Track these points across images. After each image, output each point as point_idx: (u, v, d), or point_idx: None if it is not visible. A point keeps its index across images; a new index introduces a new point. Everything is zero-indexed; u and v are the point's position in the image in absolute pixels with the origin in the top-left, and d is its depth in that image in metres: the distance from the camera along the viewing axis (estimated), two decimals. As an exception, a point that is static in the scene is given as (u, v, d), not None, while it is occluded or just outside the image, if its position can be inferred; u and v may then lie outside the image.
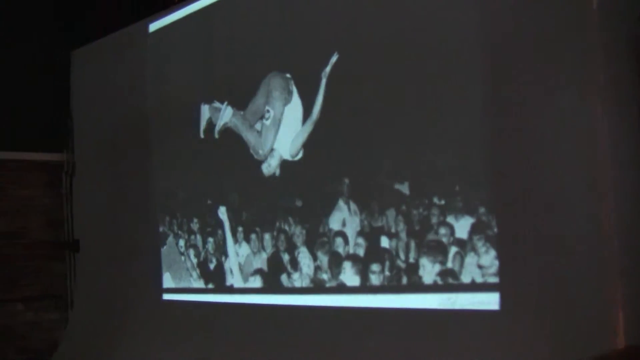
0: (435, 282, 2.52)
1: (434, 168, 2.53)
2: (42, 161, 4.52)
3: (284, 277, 3.21)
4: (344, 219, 2.88)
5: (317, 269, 3.02)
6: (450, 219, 2.47)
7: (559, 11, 2.18)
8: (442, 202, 2.49)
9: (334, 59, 2.94)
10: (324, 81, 2.99)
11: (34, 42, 4.46)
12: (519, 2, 2.31)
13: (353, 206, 2.87)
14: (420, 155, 2.59)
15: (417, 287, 2.57)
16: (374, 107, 2.77)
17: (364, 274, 2.79)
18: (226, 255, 3.53)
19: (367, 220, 2.79)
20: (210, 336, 3.52)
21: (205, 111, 3.67)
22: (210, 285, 3.63)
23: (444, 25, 2.52)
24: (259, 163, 3.35)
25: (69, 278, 4.56)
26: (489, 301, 2.33)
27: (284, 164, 3.23)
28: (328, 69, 2.96)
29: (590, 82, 2.11)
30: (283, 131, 3.24)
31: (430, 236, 2.53)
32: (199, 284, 3.69)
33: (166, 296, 3.92)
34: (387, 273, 2.70)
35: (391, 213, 2.67)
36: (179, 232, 3.80)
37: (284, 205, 3.19)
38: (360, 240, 2.82)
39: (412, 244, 2.60)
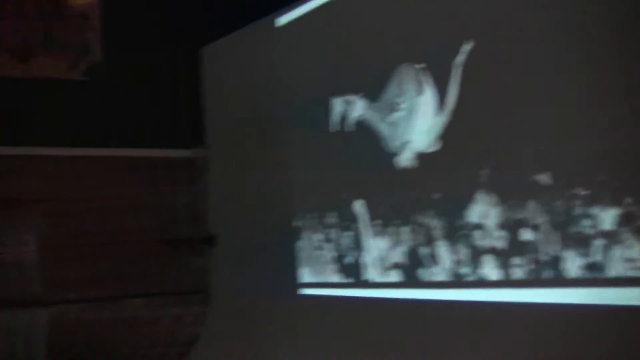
0: (579, 276, 2.80)
1: (577, 157, 2.81)
2: (180, 158, 5.42)
3: (422, 271, 3.67)
4: (484, 211, 3.26)
5: (456, 262, 3.43)
6: (594, 210, 2.74)
7: None
8: (586, 192, 2.76)
9: (468, 47, 3.31)
10: (458, 70, 3.37)
11: (164, 40, 5.35)
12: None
13: (493, 198, 3.23)
14: (563, 144, 2.87)
15: (560, 281, 2.87)
16: (512, 96, 3.10)
17: (504, 267, 3.15)
18: (363, 250, 4.07)
19: (507, 212, 3.13)
20: (347, 330, 4.08)
21: (337, 104, 4.23)
22: (347, 280, 4.19)
23: (584, 9, 2.77)
24: (394, 155, 3.84)
25: (208, 273, 5.40)
26: (638, 296, 2.58)
27: (420, 155, 3.69)
28: (462, 57, 3.34)
29: None
30: (417, 122, 3.70)
31: (574, 228, 2.82)
32: (336, 278, 4.26)
33: (303, 291, 4.56)
34: (528, 266, 3.03)
35: (532, 204, 3.00)
36: (316, 226, 4.40)
37: (421, 197, 3.64)
38: (501, 233, 3.18)
39: (555, 237, 2.91)
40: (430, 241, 3.60)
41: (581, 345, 2.76)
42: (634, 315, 2.59)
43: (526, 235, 3.05)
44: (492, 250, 3.23)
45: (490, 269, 3.25)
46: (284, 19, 4.65)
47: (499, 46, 3.18)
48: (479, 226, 3.30)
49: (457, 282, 3.42)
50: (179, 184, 5.41)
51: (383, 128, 3.94)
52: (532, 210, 3.01)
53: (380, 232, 3.94)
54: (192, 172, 5.46)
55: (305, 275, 4.54)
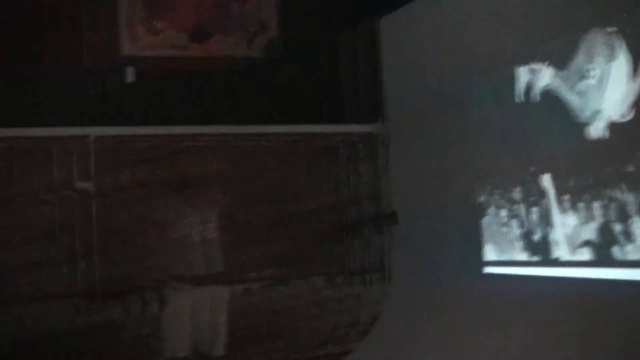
0: None
1: None
2: (359, 133, 6.09)
3: (616, 249, 3.96)
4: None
5: (653, 240, 3.64)
6: None
7: None
8: None
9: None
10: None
11: (340, 13, 6.03)
12: None
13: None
14: None
15: None
16: None
17: None
18: (552, 226, 4.43)
19: None
20: (535, 311, 4.42)
21: (522, 74, 4.59)
22: (535, 258, 4.58)
23: None
24: (584, 126, 4.15)
25: (389, 251, 6.05)
26: None
27: (612, 125, 3.97)
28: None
29: None
30: (609, 90, 3.97)
31: None
32: (523, 256, 4.67)
33: (487, 269, 5.04)
34: None
35: None
36: (501, 201, 4.84)
37: (614, 170, 3.93)
38: None
39: None
40: (623, 217, 3.86)
41: None
42: None
43: None
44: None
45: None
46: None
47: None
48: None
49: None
50: (358, 160, 6.07)
51: (571, 98, 4.25)
52: None
53: (569, 208, 4.26)
54: (372, 148, 6.09)
55: (491, 253, 4.98)
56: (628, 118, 3.88)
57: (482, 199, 5.03)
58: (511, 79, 4.70)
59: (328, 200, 5.93)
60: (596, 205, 4.07)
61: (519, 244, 4.72)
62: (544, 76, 4.44)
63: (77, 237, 5.24)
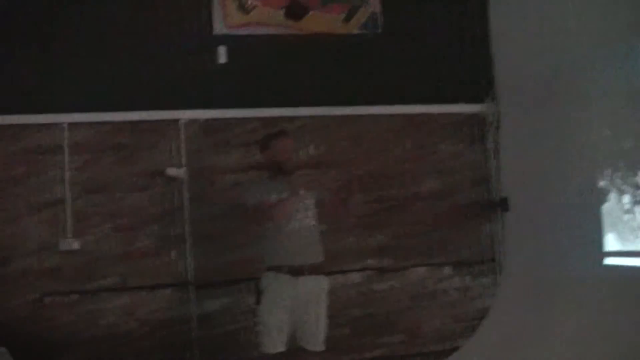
0: None
1: None
2: (468, 114, 6.28)
3: None
4: None
5: None
6: None
7: None
8: None
9: None
10: None
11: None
12: None
13: None
14: None
15: None
16: None
17: None
18: None
19: None
20: None
21: None
22: None
23: None
24: None
25: (498, 240, 6.25)
26: None
27: None
28: None
29: None
30: None
31: None
32: None
33: (608, 260, 5.13)
34: None
35: None
36: (624, 186, 4.93)
37: None
38: None
39: None
40: None
41: None
42: None
43: None
44: None
45: None
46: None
47: None
48: None
49: None
50: (466, 142, 6.26)
51: None
52: None
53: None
54: (481, 129, 6.28)
55: (611, 242, 5.10)
56: None
57: (602, 183, 5.13)
58: (632, 57, 4.79)
59: (433, 186, 6.13)
60: None
61: (644, 233, 4.76)
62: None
63: (167, 226, 5.61)
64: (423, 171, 6.13)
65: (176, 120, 5.69)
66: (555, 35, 5.51)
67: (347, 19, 6.16)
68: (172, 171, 5.61)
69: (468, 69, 6.27)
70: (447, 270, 6.17)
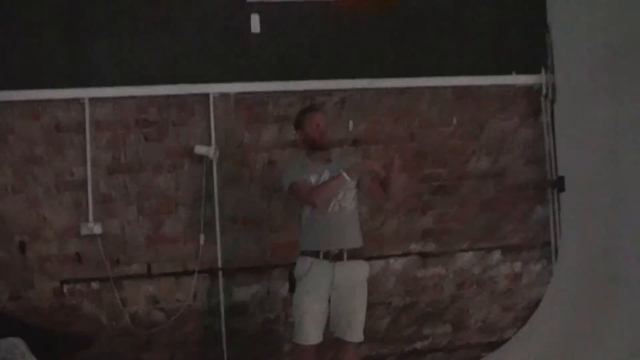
0: None
1: None
2: (521, 86, 5.84)
3: None
4: None
5: None
6: None
7: None
8: None
9: None
10: None
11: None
12: None
13: None
14: None
15: None
16: None
17: None
18: None
19: None
20: None
21: None
22: None
23: None
24: None
25: (553, 223, 5.84)
26: None
27: None
28: None
29: None
30: None
31: None
32: None
33: None
34: None
35: None
36: None
37: None
38: None
39: None
40: None
41: None
42: None
43: None
44: None
45: None
46: None
47: None
48: None
49: None
50: (519, 117, 5.84)
51: None
52: None
53: None
54: (535, 103, 5.85)
55: None
56: None
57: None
58: None
59: (482, 165, 5.79)
60: None
61: None
62: None
63: (196, 209, 5.31)
64: (471, 149, 5.77)
65: (206, 95, 5.33)
66: (617, 6, 5.14)
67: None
68: (201, 149, 5.26)
69: (522, 37, 5.84)
70: (496, 256, 5.82)
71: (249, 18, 5.41)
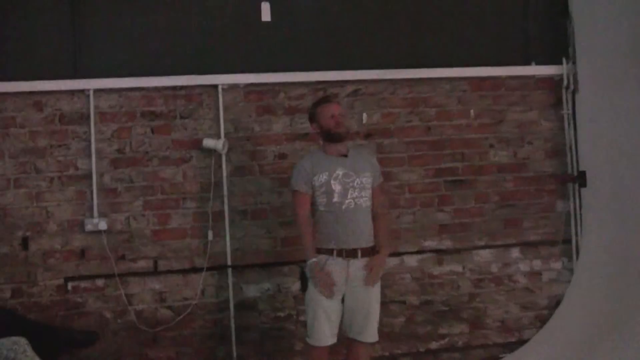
0: None
1: None
2: (541, 76, 5.67)
3: None
4: None
5: None
6: None
7: None
8: None
9: None
10: None
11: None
12: None
13: None
14: None
15: None
16: None
17: None
18: None
19: None
20: None
21: None
22: None
23: None
24: None
25: (574, 219, 5.65)
26: None
27: None
28: None
29: None
30: None
31: None
32: None
33: None
34: None
35: None
36: None
37: None
38: None
39: None
40: None
41: None
42: None
43: None
44: None
45: None
46: None
47: None
48: None
49: None
50: (539, 109, 5.68)
51: None
52: None
53: None
54: (556, 94, 5.68)
55: None
56: None
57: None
58: None
59: (501, 158, 5.62)
60: None
61: None
62: None
63: (204, 203, 5.16)
64: (489, 142, 5.60)
65: (215, 86, 5.20)
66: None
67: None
68: (209, 142, 5.10)
69: (542, 26, 5.68)
70: (514, 253, 5.64)
71: (260, 6, 5.29)
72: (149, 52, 5.13)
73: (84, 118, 5.03)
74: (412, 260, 5.46)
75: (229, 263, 5.17)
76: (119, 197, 5.08)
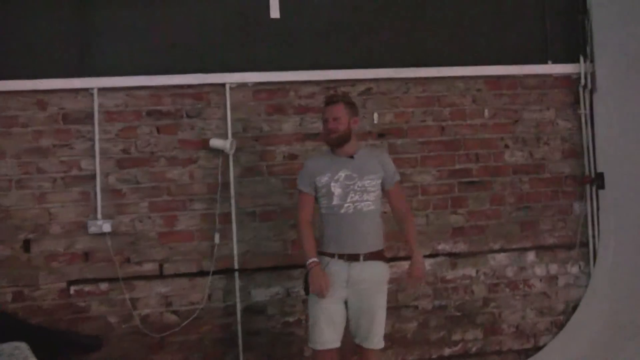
0: None
1: None
2: (558, 75, 5.56)
3: None
4: None
5: None
6: None
7: None
8: None
9: None
10: None
11: None
12: None
13: None
14: None
15: None
16: None
17: None
18: None
19: None
20: None
21: None
22: None
23: None
24: None
25: (592, 222, 5.54)
26: None
27: None
28: None
29: None
30: None
31: None
32: None
33: None
34: None
35: None
36: None
37: None
38: None
39: None
40: None
41: None
42: None
43: None
44: None
45: None
46: None
47: None
48: None
49: None
50: (555, 109, 5.58)
51: None
52: None
53: None
54: (574, 93, 5.59)
55: None
56: None
57: None
58: None
59: (516, 159, 5.51)
60: None
61: None
62: None
63: (211, 205, 5.06)
64: (505, 142, 5.50)
65: (223, 85, 5.10)
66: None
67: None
68: (217, 142, 5.00)
69: (558, 23, 5.56)
70: (530, 256, 5.53)
71: (268, 3, 5.17)
72: (155, 49, 5.02)
73: (88, 117, 4.93)
74: (425, 264, 5.25)
75: (237, 266, 5.06)
76: (124, 198, 4.97)
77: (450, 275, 5.40)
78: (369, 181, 4.21)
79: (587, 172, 5.56)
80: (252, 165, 5.15)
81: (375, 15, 5.33)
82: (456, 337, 5.39)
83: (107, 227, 4.87)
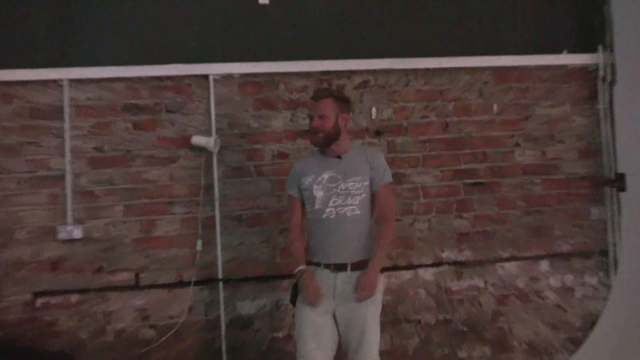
0: None
1: None
2: (574, 66, 5.31)
3: None
4: None
5: None
6: None
7: None
8: None
9: None
10: None
11: None
12: None
13: None
14: None
15: None
16: None
17: None
18: None
19: None
20: None
21: None
22: None
23: None
24: None
25: (612, 227, 5.26)
26: None
27: None
28: None
29: None
30: None
31: None
32: None
33: None
34: None
35: None
36: None
37: None
38: None
39: None
40: None
41: None
42: None
43: None
44: None
45: None
46: None
47: None
48: None
49: None
50: (571, 103, 5.33)
51: None
52: None
53: None
54: (592, 86, 5.33)
55: None
56: None
57: None
58: None
59: (528, 158, 5.25)
60: None
61: None
62: None
63: (193, 208, 4.84)
64: (515, 140, 5.25)
65: (206, 76, 4.90)
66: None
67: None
68: (199, 140, 4.79)
69: (575, 9, 5.34)
70: (543, 265, 5.24)
71: (256, -13, 4.96)
72: (132, 38, 4.82)
73: (58, 112, 4.73)
74: (427, 274, 5.09)
75: (220, 276, 4.81)
76: (96, 201, 4.75)
77: (455, 286, 5.13)
78: (352, 183, 3.94)
79: (606, 173, 5.30)
80: (238, 165, 4.92)
81: (373, 2, 5.11)
82: (462, 354, 5.10)
83: (78, 233, 4.66)
